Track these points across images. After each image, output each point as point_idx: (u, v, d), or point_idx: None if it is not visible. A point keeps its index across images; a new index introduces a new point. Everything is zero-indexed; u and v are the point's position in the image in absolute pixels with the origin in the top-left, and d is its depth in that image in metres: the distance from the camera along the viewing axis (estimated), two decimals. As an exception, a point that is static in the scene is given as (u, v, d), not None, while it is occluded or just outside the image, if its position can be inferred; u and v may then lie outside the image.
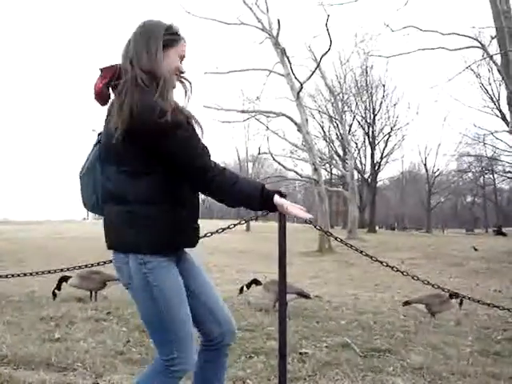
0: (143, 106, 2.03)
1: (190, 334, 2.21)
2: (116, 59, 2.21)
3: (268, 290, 6.30)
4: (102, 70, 2.20)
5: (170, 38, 2.20)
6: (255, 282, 6.69)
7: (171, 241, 2.17)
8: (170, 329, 2.16)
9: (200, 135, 2.20)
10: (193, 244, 2.28)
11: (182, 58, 2.26)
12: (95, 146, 2.30)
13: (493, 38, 18.68)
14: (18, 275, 3.88)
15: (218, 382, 2.38)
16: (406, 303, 6.22)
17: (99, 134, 2.31)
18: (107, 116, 2.21)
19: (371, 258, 3.45)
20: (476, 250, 20.21)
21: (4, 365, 3.58)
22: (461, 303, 6.14)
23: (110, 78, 2.18)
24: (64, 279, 6.47)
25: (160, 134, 2.04)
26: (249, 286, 6.68)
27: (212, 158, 2.17)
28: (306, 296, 6.33)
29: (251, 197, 2.16)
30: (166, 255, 2.15)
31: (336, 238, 3.45)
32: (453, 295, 5.42)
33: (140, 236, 2.11)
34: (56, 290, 6.42)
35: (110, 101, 2.20)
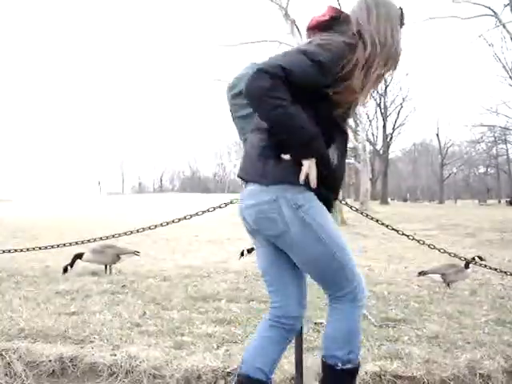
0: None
1: (351, 253, 2.24)
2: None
3: None
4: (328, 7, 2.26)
5: (402, 21, 2.24)
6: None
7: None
8: (342, 259, 2.18)
9: None
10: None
11: None
12: None
13: (506, 6, 18.34)
14: (33, 249, 3.90)
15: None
16: (422, 273, 6.20)
17: None
18: None
19: (387, 226, 3.43)
20: None
21: (21, 338, 3.61)
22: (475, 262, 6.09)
23: (329, 18, 2.22)
24: (78, 256, 6.49)
25: None
26: (250, 250, 6.83)
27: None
28: None
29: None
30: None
31: (351, 207, 3.42)
32: (470, 262, 5.36)
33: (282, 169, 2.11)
34: (69, 267, 6.44)
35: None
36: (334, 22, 2.22)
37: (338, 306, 2.25)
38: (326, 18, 2.22)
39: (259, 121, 2.16)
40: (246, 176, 2.22)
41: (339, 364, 2.26)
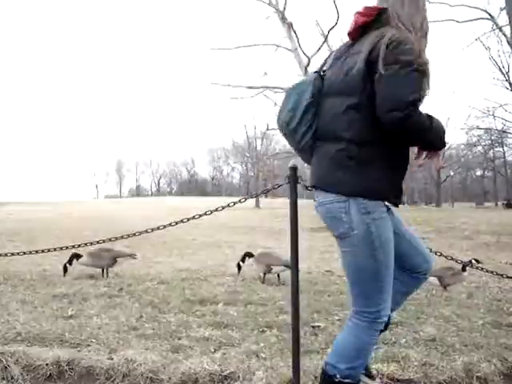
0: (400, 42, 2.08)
1: (392, 282, 2.26)
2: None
3: (258, 262, 6.47)
4: (365, 8, 2.27)
5: None
6: (248, 254, 6.82)
7: (392, 188, 2.21)
8: (383, 280, 2.20)
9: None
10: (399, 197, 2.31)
11: None
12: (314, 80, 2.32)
13: (502, 9, 18.35)
14: (30, 252, 3.89)
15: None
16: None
17: (316, 72, 2.38)
18: (341, 54, 2.31)
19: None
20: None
21: (18, 342, 3.60)
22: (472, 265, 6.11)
23: (372, 18, 2.24)
24: (76, 256, 6.50)
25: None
26: (243, 259, 6.81)
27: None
28: None
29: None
30: (385, 204, 2.20)
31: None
32: (466, 265, 5.38)
33: (361, 180, 2.14)
34: (67, 265, 6.46)
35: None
36: (378, 18, 2.25)
37: (356, 322, 2.27)
38: (372, 17, 2.24)
39: (332, 131, 2.19)
40: (323, 184, 2.23)
41: (338, 376, 2.28)
